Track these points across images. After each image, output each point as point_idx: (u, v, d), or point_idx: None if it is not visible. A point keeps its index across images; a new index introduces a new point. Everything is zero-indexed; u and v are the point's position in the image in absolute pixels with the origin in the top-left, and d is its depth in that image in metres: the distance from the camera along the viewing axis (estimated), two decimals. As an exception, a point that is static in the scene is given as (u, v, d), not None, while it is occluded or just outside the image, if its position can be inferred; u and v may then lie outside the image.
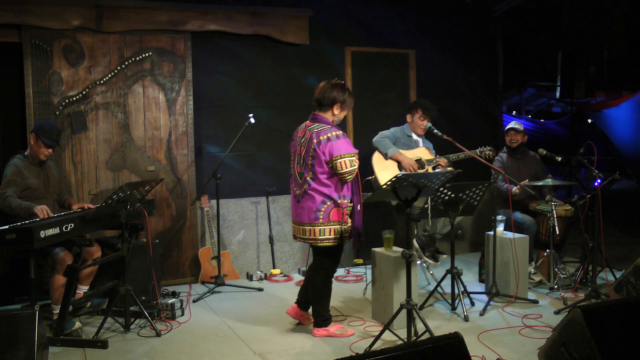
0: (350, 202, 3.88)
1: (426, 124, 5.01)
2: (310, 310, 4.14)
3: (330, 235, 3.81)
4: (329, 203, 3.78)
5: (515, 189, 4.96)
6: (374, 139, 5.04)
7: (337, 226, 3.81)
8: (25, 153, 4.24)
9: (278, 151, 5.78)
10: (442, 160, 4.97)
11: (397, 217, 5.46)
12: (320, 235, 3.80)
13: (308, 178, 3.80)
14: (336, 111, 3.88)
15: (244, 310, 4.64)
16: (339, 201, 3.81)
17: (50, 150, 4.24)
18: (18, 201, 3.98)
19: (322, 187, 3.77)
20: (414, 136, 5.13)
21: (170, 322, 4.28)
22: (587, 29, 9.46)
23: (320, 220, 3.78)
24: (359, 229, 3.89)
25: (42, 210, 3.85)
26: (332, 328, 3.99)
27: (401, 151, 4.96)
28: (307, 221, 3.82)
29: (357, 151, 3.80)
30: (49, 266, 4.66)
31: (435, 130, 4.90)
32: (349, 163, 3.71)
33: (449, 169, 4.82)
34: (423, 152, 5.06)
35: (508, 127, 5.51)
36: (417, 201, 3.58)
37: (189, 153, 5.46)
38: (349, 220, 3.88)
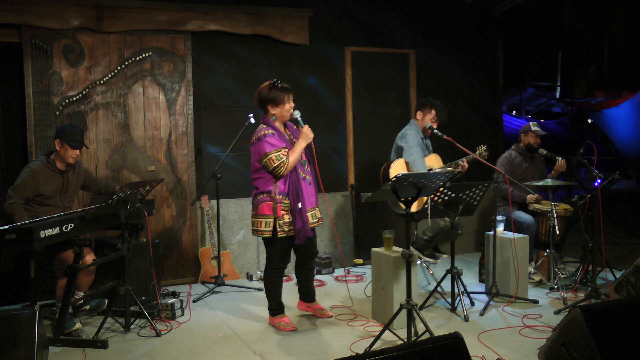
0: (287, 199, 3.94)
1: (427, 123, 4.99)
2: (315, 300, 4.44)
3: (263, 227, 3.97)
4: (261, 196, 3.97)
5: (529, 196, 5.14)
6: (410, 161, 4.84)
7: (270, 219, 3.94)
8: (51, 157, 4.22)
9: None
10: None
11: (397, 217, 5.45)
12: (256, 227, 4.01)
13: (251, 174, 4.05)
14: (272, 110, 3.97)
15: (244, 310, 4.64)
16: (273, 196, 3.94)
17: (78, 152, 4.22)
18: (23, 214, 4.00)
19: (258, 181, 3.98)
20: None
21: (170, 322, 4.28)
22: (587, 29, 9.44)
23: (257, 212, 3.99)
24: (299, 228, 3.92)
25: None
26: (277, 319, 4.17)
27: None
28: (251, 214, 4.09)
29: (283, 145, 3.89)
30: (54, 266, 4.67)
31: (435, 130, 4.90)
32: (275, 158, 3.84)
33: (449, 169, 4.82)
34: (433, 160, 5.03)
35: (538, 131, 5.34)
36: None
37: (189, 153, 5.47)
38: (286, 217, 3.95)
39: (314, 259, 4.42)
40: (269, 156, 3.85)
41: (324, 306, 4.49)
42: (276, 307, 4.21)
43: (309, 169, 4.09)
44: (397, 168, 4.90)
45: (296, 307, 4.54)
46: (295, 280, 5.51)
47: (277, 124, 4.01)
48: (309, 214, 4.01)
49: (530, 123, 5.47)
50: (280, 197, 3.93)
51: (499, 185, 5.09)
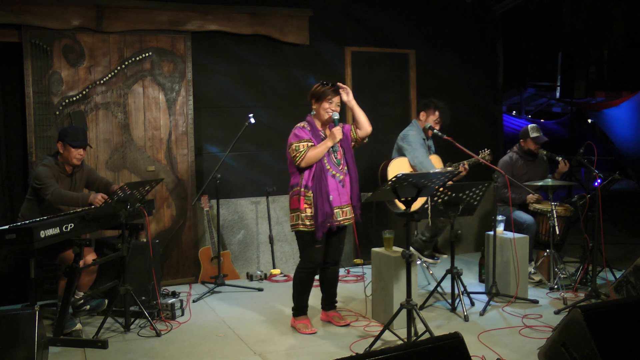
0: (310, 192, 3.90)
1: (427, 123, 4.99)
2: (336, 308, 4.30)
3: (293, 221, 4.00)
4: (292, 190, 4.00)
5: (529, 196, 5.11)
6: (417, 163, 4.85)
7: (297, 213, 3.95)
8: (58, 160, 4.21)
9: (278, 151, 5.77)
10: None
11: (396, 217, 5.46)
12: (290, 221, 4.05)
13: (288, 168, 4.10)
14: (313, 105, 4.03)
15: (244, 310, 4.64)
16: (298, 189, 3.94)
17: (82, 151, 4.19)
18: (69, 192, 4.08)
19: (292, 176, 4.02)
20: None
21: (170, 322, 4.28)
22: (587, 29, 9.45)
23: (290, 206, 4.03)
24: (320, 221, 3.86)
25: (97, 199, 4.00)
26: (298, 321, 4.12)
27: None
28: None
29: (305, 137, 3.92)
30: (56, 265, 4.67)
31: (436, 130, 4.90)
32: (294, 148, 3.91)
33: (449, 169, 4.82)
34: (434, 162, 5.03)
35: (538, 138, 5.23)
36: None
37: (189, 153, 5.46)
38: (308, 210, 3.90)
39: (337, 265, 4.20)
40: (291, 146, 3.92)
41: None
42: (297, 307, 4.14)
43: (345, 169, 4.03)
44: (396, 166, 4.90)
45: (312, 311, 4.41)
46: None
47: (317, 122, 4.02)
48: (335, 211, 3.94)
49: (529, 127, 5.34)
50: (304, 190, 3.92)
51: (499, 189, 5.07)
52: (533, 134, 5.26)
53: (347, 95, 4.05)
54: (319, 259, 4.02)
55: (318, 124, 4.03)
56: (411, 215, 3.64)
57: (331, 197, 3.90)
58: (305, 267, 4.03)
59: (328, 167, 3.94)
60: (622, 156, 10.98)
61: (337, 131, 3.91)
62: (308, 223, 3.91)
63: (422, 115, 5.04)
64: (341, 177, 4.00)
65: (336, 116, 3.95)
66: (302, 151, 3.88)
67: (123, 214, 4.00)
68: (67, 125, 4.80)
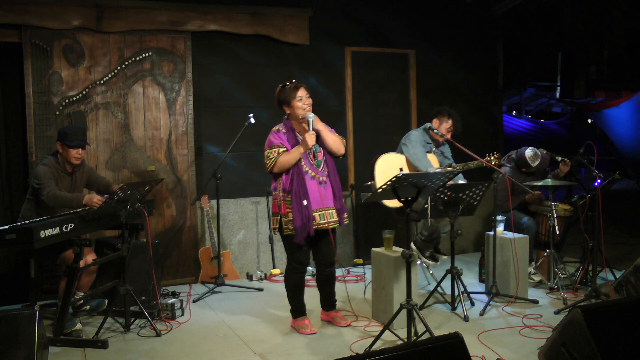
0: (289, 196, 3.86)
1: (427, 124, 4.98)
2: (336, 308, 4.29)
3: (274, 225, 4.00)
4: (273, 194, 3.99)
5: (529, 196, 5.09)
6: (412, 159, 4.80)
7: (278, 217, 3.94)
8: (59, 159, 4.20)
9: (278, 151, 5.77)
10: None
11: (396, 217, 5.45)
12: (272, 224, 4.07)
13: None
14: (287, 110, 3.94)
15: (244, 310, 4.64)
16: (278, 193, 3.93)
17: (80, 151, 4.16)
18: (64, 193, 4.06)
19: (272, 180, 4.00)
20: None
21: (170, 322, 4.28)
22: (587, 29, 9.45)
23: (271, 210, 4.06)
24: (298, 226, 3.82)
25: (92, 201, 3.97)
26: (297, 322, 4.12)
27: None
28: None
29: (279, 143, 3.86)
30: (56, 265, 4.67)
31: (435, 131, 4.90)
32: (266, 155, 3.90)
33: (449, 169, 4.82)
34: (432, 161, 5.01)
35: (540, 164, 5.17)
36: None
37: (189, 153, 5.47)
38: (290, 214, 3.86)
39: (332, 266, 4.15)
40: (265, 152, 3.91)
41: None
42: (295, 309, 4.14)
43: (326, 171, 3.96)
44: (384, 161, 4.89)
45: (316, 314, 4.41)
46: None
47: (294, 123, 3.95)
48: (316, 214, 3.87)
49: (527, 156, 5.12)
50: (284, 194, 3.89)
51: (502, 203, 5.08)
52: (535, 163, 5.13)
53: (317, 124, 3.88)
54: (306, 260, 4.05)
55: (295, 125, 3.95)
56: (408, 214, 3.62)
57: (304, 202, 3.81)
58: (294, 268, 4.04)
59: (306, 169, 3.87)
60: (622, 156, 10.98)
61: (310, 137, 3.76)
62: (291, 227, 3.87)
63: (435, 122, 5.01)
64: (322, 178, 3.93)
65: (310, 117, 3.79)
66: (272, 158, 3.84)
67: (123, 214, 4.00)
68: (67, 125, 4.79)
